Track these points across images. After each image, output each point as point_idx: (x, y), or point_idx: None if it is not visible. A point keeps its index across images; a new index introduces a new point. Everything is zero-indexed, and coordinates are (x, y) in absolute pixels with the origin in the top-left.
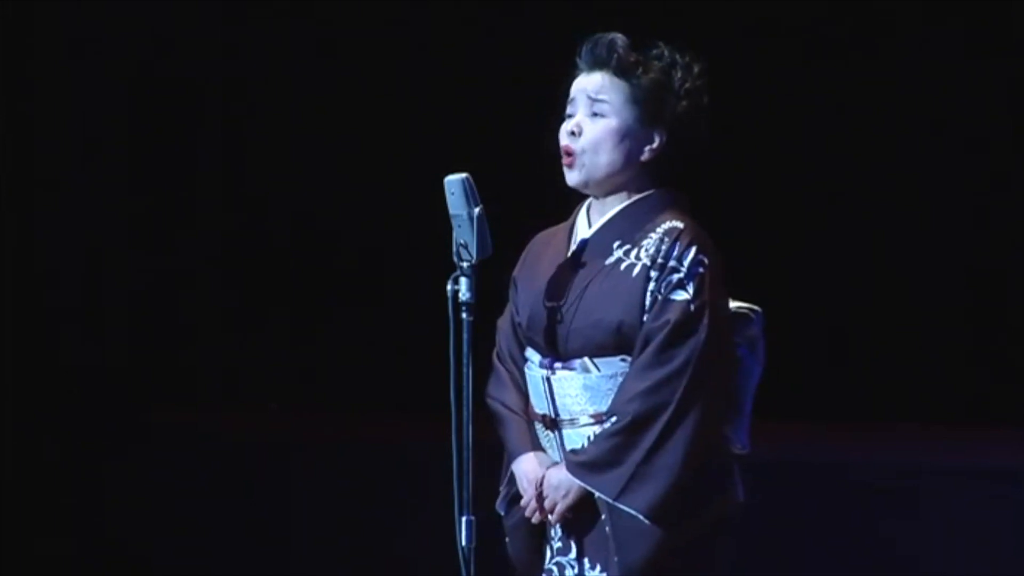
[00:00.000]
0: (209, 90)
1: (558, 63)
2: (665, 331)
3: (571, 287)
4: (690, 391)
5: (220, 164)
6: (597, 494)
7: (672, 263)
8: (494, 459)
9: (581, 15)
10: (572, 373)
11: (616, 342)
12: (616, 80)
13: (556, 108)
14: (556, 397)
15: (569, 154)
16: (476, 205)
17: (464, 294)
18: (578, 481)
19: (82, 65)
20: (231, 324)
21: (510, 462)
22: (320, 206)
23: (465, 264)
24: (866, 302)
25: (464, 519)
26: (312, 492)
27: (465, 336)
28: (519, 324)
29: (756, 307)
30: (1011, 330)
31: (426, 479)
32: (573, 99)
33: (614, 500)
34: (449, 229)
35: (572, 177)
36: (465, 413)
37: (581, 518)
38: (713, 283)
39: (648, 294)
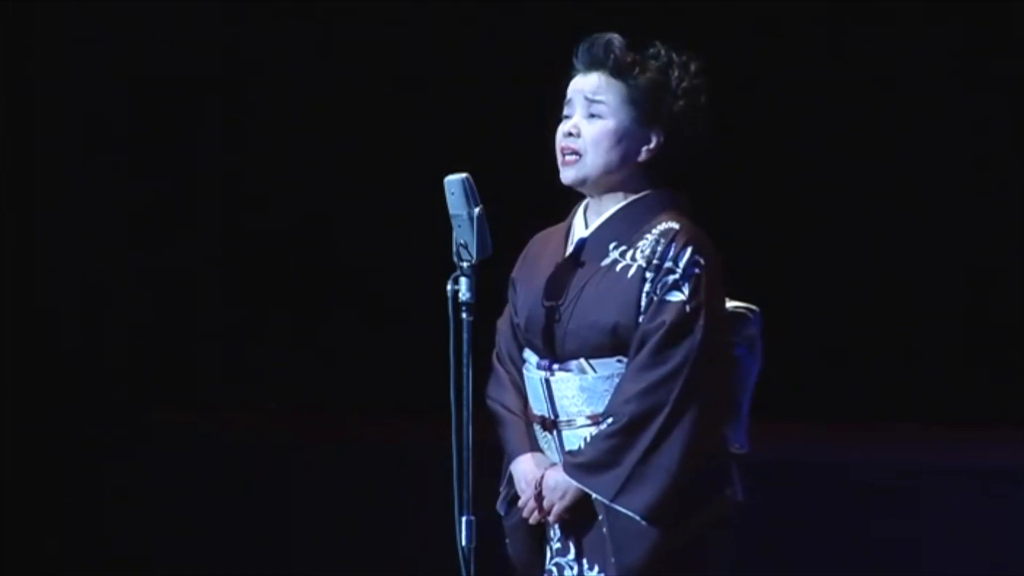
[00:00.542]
0: (209, 90)
1: (558, 63)
2: (661, 332)
3: (568, 288)
4: (686, 392)
5: (220, 164)
6: (594, 495)
7: (668, 264)
8: (494, 459)
9: (581, 15)
10: (569, 374)
11: (612, 343)
12: (613, 81)
13: (556, 108)
14: (554, 398)
15: (571, 152)
16: (476, 205)
17: (464, 294)
18: (575, 482)
19: (82, 65)
20: (231, 324)
21: (509, 463)
22: (320, 206)
23: (465, 264)
24: (866, 302)
25: (464, 519)
26: (312, 492)
27: (465, 336)
28: (518, 325)
29: (754, 307)
30: (1011, 330)
31: (426, 479)
32: (570, 100)
33: (611, 501)
34: (449, 229)
35: (567, 174)
36: (465, 413)
37: (579, 519)
38: (710, 284)
39: (644, 295)
